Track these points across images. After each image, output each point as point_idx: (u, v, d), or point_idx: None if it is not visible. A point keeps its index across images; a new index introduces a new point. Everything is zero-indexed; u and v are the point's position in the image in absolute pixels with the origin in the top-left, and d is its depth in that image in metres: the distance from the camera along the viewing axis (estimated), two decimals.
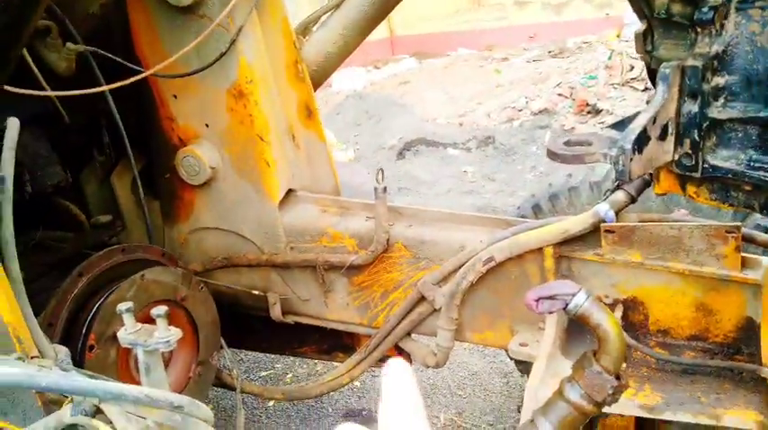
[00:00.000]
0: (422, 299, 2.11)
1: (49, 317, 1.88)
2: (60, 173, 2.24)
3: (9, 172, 1.58)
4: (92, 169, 2.49)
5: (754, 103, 1.48)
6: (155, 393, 1.18)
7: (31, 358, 1.44)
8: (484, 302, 2.07)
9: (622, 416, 1.80)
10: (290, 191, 2.34)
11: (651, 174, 1.74)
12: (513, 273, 1.99)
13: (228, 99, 2.20)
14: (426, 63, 11.83)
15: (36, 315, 1.58)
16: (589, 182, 2.95)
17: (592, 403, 1.18)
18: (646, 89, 7.15)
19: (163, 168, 2.41)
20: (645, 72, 1.77)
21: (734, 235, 1.65)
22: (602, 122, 7.04)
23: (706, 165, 1.56)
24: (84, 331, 1.89)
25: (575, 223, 1.84)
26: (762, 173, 1.49)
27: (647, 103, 1.60)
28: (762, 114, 1.48)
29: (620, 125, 1.72)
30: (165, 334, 1.30)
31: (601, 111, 7.36)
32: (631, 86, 7.64)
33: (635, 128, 1.51)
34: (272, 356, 3.55)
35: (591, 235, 1.85)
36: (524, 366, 2.72)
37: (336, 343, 2.54)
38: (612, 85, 7.78)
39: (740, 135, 1.52)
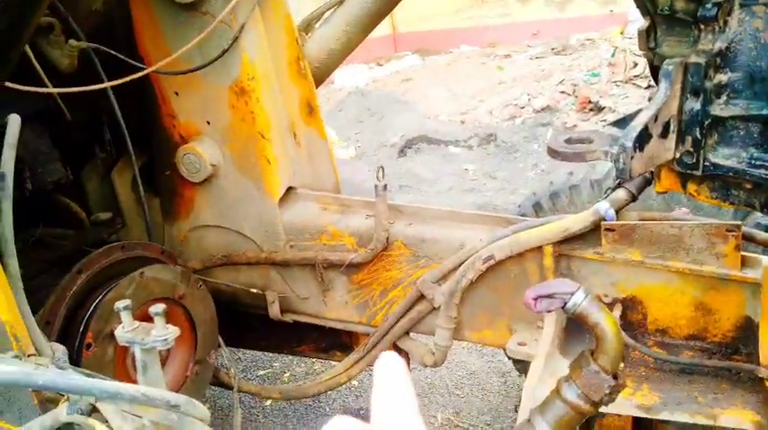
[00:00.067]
0: (421, 297, 2.10)
1: (47, 314, 1.88)
2: (61, 170, 2.24)
3: (9, 169, 1.58)
4: (92, 166, 2.49)
5: (756, 100, 1.47)
6: (151, 392, 1.17)
7: (28, 356, 1.44)
8: (483, 301, 2.06)
9: (620, 415, 1.79)
10: (290, 188, 2.34)
11: (652, 173, 1.73)
12: (513, 272, 1.99)
13: (230, 96, 2.19)
14: (429, 60, 11.80)
15: (35, 312, 1.58)
16: (590, 180, 2.94)
17: (589, 403, 1.18)
18: (649, 86, 7.12)
19: (163, 165, 2.41)
20: (648, 69, 1.76)
21: (734, 233, 1.64)
22: (605, 120, 7.02)
23: (707, 163, 1.55)
24: (81, 329, 1.88)
25: (575, 221, 1.84)
26: (763, 171, 1.48)
27: (649, 100, 1.60)
28: (764, 112, 1.47)
29: (622, 122, 1.71)
30: (163, 332, 1.30)
31: (603, 108, 7.34)
32: (634, 84, 7.61)
33: (636, 125, 1.51)
34: (270, 355, 3.55)
35: (591, 233, 1.84)
36: (522, 365, 2.71)
37: (335, 341, 2.54)
38: (615, 82, 7.76)
39: (742, 133, 1.51)
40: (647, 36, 1.64)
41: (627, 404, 1.65)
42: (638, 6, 1.65)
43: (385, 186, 2.09)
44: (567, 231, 1.84)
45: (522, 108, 8.08)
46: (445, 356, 2.15)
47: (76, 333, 1.88)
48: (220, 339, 2.30)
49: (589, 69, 8.39)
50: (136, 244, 2.20)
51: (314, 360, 3.43)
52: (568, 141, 1.75)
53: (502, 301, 2.04)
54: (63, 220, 2.43)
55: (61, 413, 1.23)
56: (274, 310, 2.38)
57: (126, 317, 1.33)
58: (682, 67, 1.51)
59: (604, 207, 1.79)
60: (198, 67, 2.13)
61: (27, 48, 1.90)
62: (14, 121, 1.62)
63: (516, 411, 2.79)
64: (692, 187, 1.65)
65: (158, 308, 1.31)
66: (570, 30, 10.98)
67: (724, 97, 1.51)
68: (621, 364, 1.21)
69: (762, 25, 1.43)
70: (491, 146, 7.35)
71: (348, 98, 9.11)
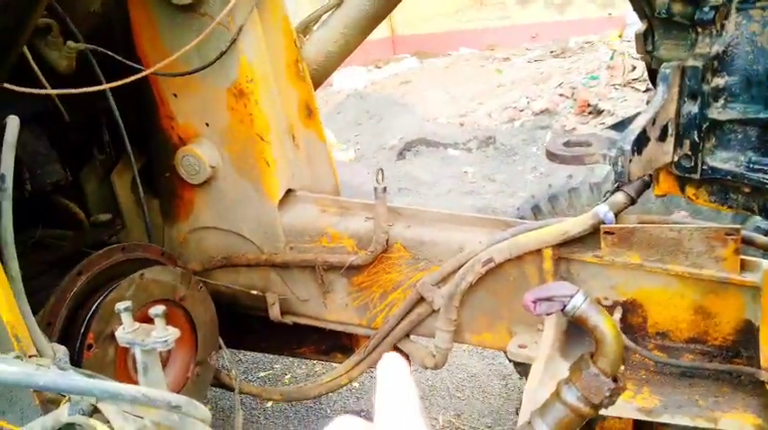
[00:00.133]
0: (421, 300, 2.11)
1: (47, 315, 1.88)
2: (60, 171, 2.24)
3: (9, 170, 1.58)
4: (91, 168, 2.49)
5: (753, 104, 1.47)
6: (152, 393, 1.18)
7: (29, 357, 1.44)
8: (483, 304, 2.06)
9: (620, 418, 1.80)
10: (289, 190, 2.34)
11: (651, 176, 1.74)
12: (512, 275, 1.99)
13: (229, 98, 2.20)
14: (428, 62, 11.83)
15: (35, 313, 1.58)
16: (589, 183, 2.94)
17: (589, 405, 1.18)
18: (647, 90, 7.13)
19: (163, 167, 2.41)
20: (646, 73, 1.77)
21: (733, 237, 1.65)
22: (604, 123, 7.03)
23: (705, 167, 1.56)
24: (82, 330, 1.89)
25: (574, 224, 1.84)
26: (761, 175, 1.48)
27: (647, 103, 1.60)
28: (761, 116, 1.47)
29: (620, 126, 1.72)
30: (163, 333, 1.30)
31: (602, 111, 7.35)
32: (633, 87, 7.63)
33: (634, 129, 1.51)
34: (271, 357, 3.55)
35: (590, 236, 1.85)
36: (523, 368, 2.72)
37: (335, 343, 2.54)
38: (614, 85, 7.77)
39: (740, 136, 1.51)
40: (645, 39, 1.64)
41: (627, 407, 1.65)
42: (635, 10, 1.65)
43: (384, 189, 2.09)
44: (566, 234, 1.84)
45: (521, 111, 8.09)
46: (446, 359, 2.15)
47: (77, 334, 1.88)
48: (221, 341, 2.30)
49: (588, 72, 8.40)
50: (136, 245, 2.20)
51: (314, 362, 3.43)
52: (567, 144, 1.75)
53: (501, 304, 2.04)
54: (62, 222, 2.43)
55: (63, 413, 1.23)
56: (274, 312, 2.38)
57: (126, 318, 1.33)
58: (679, 70, 1.52)
59: (603, 210, 1.79)
60: (196, 69, 2.13)
61: (25, 49, 1.90)
62: (13, 123, 1.62)
63: (517, 414, 2.80)
64: (690, 191, 1.65)
65: (158, 309, 1.31)
66: (569, 33, 11.01)
67: (721, 101, 1.51)
68: (622, 367, 1.21)
69: (758, 29, 1.43)
70: (490, 148, 7.36)
71: (347, 100, 9.12)
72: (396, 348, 2.24)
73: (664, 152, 1.58)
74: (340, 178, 2.54)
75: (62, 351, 1.57)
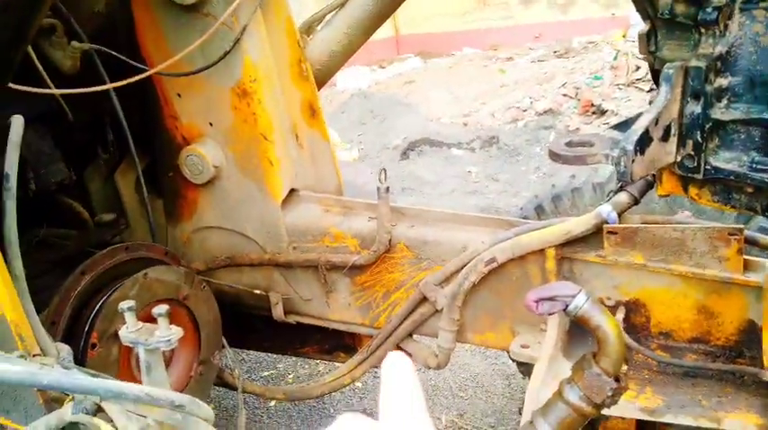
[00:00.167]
0: (423, 299, 2.11)
1: (51, 314, 1.89)
2: (64, 170, 2.24)
3: (13, 169, 1.59)
4: (95, 167, 2.50)
5: (757, 104, 1.47)
6: (155, 392, 1.18)
7: (33, 356, 1.45)
8: (485, 303, 2.06)
9: (623, 418, 1.80)
10: (292, 190, 2.34)
11: (654, 176, 1.74)
12: (515, 275, 1.99)
13: (232, 98, 2.20)
14: (431, 62, 11.83)
15: (39, 312, 1.59)
16: (592, 183, 2.94)
17: (591, 405, 1.18)
18: (651, 90, 7.12)
19: (166, 167, 2.41)
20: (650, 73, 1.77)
21: (736, 237, 1.65)
22: (607, 123, 7.03)
23: (708, 167, 1.56)
24: (86, 329, 1.89)
25: (577, 224, 1.84)
26: (764, 175, 1.48)
27: (650, 103, 1.60)
28: (765, 116, 1.47)
29: (623, 126, 1.72)
30: (166, 333, 1.30)
31: (606, 111, 7.34)
32: (637, 87, 7.62)
33: (637, 129, 1.51)
34: (275, 356, 3.55)
35: (593, 236, 1.85)
36: (526, 368, 2.72)
37: (338, 343, 2.54)
38: (618, 85, 7.76)
39: (743, 137, 1.51)
40: (648, 40, 1.64)
41: (630, 407, 1.65)
42: (638, 10, 1.65)
43: (387, 188, 2.10)
44: (569, 234, 1.84)
45: (525, 111, 8.09)
46: (448, 358, 2.16)
47: (81, 333, 1.89)
48: (224, 340, 2.30)
49: (591, 72, 8.40)
50: (139, 245, 2.20)
51: (317, 361, 3.43)
52: (569, 144, 1.75)
53: (504, 304, 2.04)
54: (66, 221, 2.43)
55: (66, 412, 1.23)
56: (278, 312, 2.39)
57: (130, 317, 1.33)
58: (682, 70, 1.51)
59: (606, 210, 1.79)
60: (200, 69, 2.13)
61: (30, 49, 1.91)
62: (18, 122, 1.63)
63: (520, 413, 2.79)
64: (693, 191, 1.65)
65: (161, 308, 1.32)
66: (573, 33, 10.99)
67: (725, 101, 1.51)
68: (625, 367, 1.22)
69: (762, 29, 1.43)
70: (493, 148, 7.36)
71: (351, 100, 9.12)
72: (398, 348, 2.25)
73: (666, 152, 1.58)
74: (343, 178, 2.54)
75: (66, 350, 1.58)
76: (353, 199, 2.36)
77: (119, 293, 1.95)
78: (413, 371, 0.53)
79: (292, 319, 2.41)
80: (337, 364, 2.50)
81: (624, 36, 9.15)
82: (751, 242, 1.78)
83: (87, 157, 2.48)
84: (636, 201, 1.83)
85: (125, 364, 1.97)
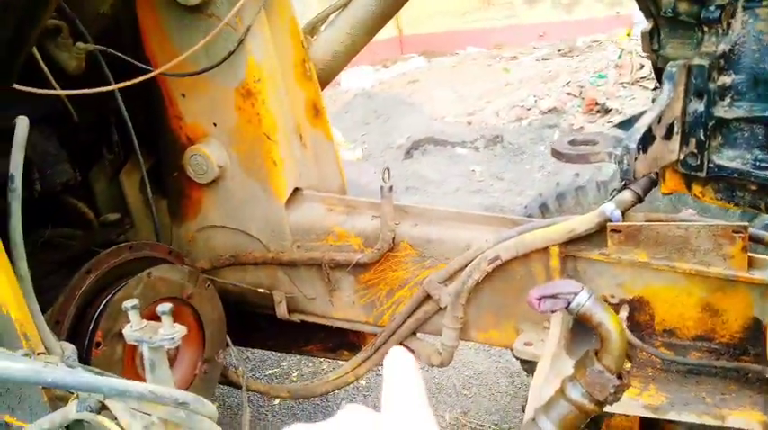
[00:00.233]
0: (427, 297, 2.11)
1: (56, 314, 1.90)
2: (69, 171, 2.25)
3: (18, 170, 1.60)
4: (100, 167, 2.51)
5: (760, 102, 1.47)
6: (159, 390, 1.19)
7: (38, 354, 1.45)
8: (489, 301, 2.07)
9: (627, 416, 1.80)
10: (296, 189, 2.35)
11: (658, 174, 1.74)
12: (519, 273, 1.99)
13: (236, 98, 2.21)
14: (435, 62, 11.81)
15: (44, 312, 1.60)
16: (596, 181, 2.94)
17: (593, 402, 1.18)
18: (656, 88, 7.08)
19: (171, 167, 2.42)
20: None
21: (741, 235, 1.65)
22: (612, 122, 7.00)
23: (711, 165, 1.56)
24: (91, 328, 1.90)
25: (581, 223, 1.84)
26: (767, 173, 1.48)
27: (653, 101, 1.60)
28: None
29: (626, 124, 1.72)
30: (170, 331, 1.31)
31: (610, 110, 7.32)
32: (641, 86, 7.59)
33: (640, 127, 1.51)
34: (279, 354, 3.56)
35: (597, 234, 1.85)
36: (529, 365, 2.72)
37: (342, 341, 2.55)
38: (622, 84, 7.74)
39: (746, 134, 1.51)
40: (651, 38, 1.64)
41: (634, 404, 1.65)
42: (641, 9, 1.65)
43: (391, 187, 2.10)
44: (572, 232, 1.85)
45: (529, 110, 8.07)
46: (452, 356, 2.16)
47: (86, 332, 1.90)
48: (228, 339, 2.31)
49: (596, 71, 8.37)
50: (144, 244, 2.21)
51: (321, 359, 3.44)
52: (572, 143, 1.75)
53: (508, 302, 2.05)
54: (72, 221, 2.44)
55: (71, 410, 1.24)
56: (282, 310, 2.39)
57: (134, 316, 1.34)
58: (685, 68, 1.52)
59: (610, 208, 1.79)
60: (204, 69, 2.14)
61: (35, 50, 1.92)
62: (23, 123, 1.64)
63: (524, 411, 2.80)
64: (696, 189, 1.65)
65: (165, 307, 1.32)
66: (577, 31, 10.96)
67: (728, 99, 1.51)
68: (629, 364, 1.22)
69: (765, 27, 1.43)
70: (498, 147, 7.35)
71: (354, 100, 9.12)
72: (402, 346, 2.25)
73: (670, 150, 1.58)
74: (347, 177, 2.55)
75: (70, 349, 1.59)
76: (357, 198, 2.36)
77: (123, 292, 1.96)
78: (415, 366, 0.54)
79: (296, 318, 2.42)
80: (341, 362, 2.51)
81: (628, 35, 9.12)
82: (755, 240, 1.78)
83: (92, 158, 2.49)
84: (639, 200, 1.83)
85: (129, 363, 1.98)
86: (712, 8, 1.47)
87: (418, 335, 2.24)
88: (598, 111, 7.49)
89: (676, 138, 1.57)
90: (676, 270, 1.74)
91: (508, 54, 11.11)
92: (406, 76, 10.86)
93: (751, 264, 1.68)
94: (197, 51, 2.03)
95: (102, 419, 1.21)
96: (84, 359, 1.82)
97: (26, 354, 1.41)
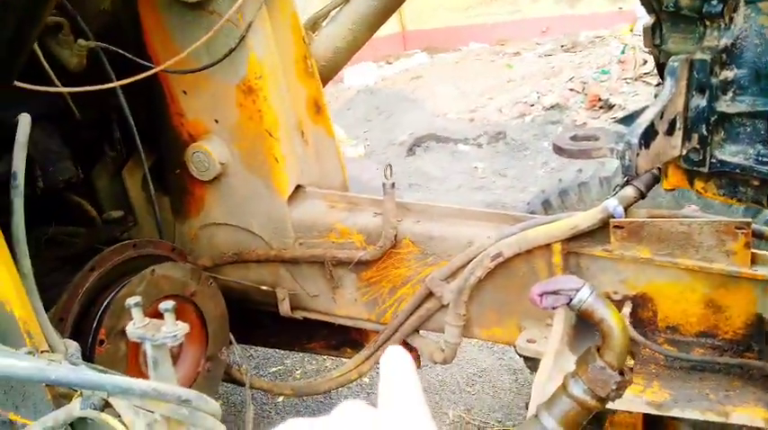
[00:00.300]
0: (430, 294, 2.11)
1: (60, 311, 1.90)
2: (71, 168, 2.25)
3: (21, 168, 1.60)
4: (103, 165, 2.51)
5: (762, 96, 1.46)
6: (162, 387, 1.19)
7: (42, 352, 1.46)
8: (492, 298, 2.06)
9: (630, 412, 1.79)
10: (298, 186, 2.35)
11: (660, 170, 1.73)
12: (521, 270, 1.99)
13: (238, 95, 2.21)
14: (438, 58, 11.79)
15: (47, 309, 1.60)
16: (599, 177, 2.94)
17: (595, 398, 1.18)
18: (659, 84, 7.04)
19: (173, 164, 2.42)
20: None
21: (744, 231, 1.64)
22: (615, 117, 6.98)
23: (714, 160, 1.55)
24: (94, 326, 1.91)
25: (583, 219, 1.84)
26: None
27: (656, 97, 1.60)
28: None
29: (628, 119, 1.71)
30: (173, 328, 1.31)
31: (613, 106, 7.31)
32: (644, 81, 7.57)
33: (642, 122, 1.50)
34: (282, 352, 3.57)
35: (600, 231, 1.84)
36: (532, 363, 2.72)
37: (345, 338, 2.55)
38: (625, 79, 7.72)
39: (748, 129, 1.50)
40: (653, 33, 1.63)
41: (637, 401, 1.65)
42: (643, 3, 1.64)
43: (393, 184, 2.10)
44: (575, 228, 1.84)
45: (532, 106, 8.06)
46: (455, 353, 2.16)
47: (89, 329, 1.90)
48: (231, 336, 2.31)
49: (599, 67, 8.35)
50: (147, 242, 2.22)
51: (324, 357, 3.44)
52: (574, 139, 1.75)
53: (511, 299, 2.04)
54: (74, 219, 2.45)
55: (74, 408, 1.24)
56: (284, 307, 2.39)
57: (137, 313, 1.34)
58: (687, 63, 1.51)
59: (613, 204, 1.79)
60: (206, 66, 2.14)
61: (36, 47, 1.92)
62: (25, 121, 1.64)
63: (527, 408, 2.80)
64: (699, 184, 1.64)
65: (168, 304, 1.32)
66: (580, 27, 10.93)
67: (730, 94, 1.50)
68: (632, 361, 1.22)
69: (767, 22, 1.42)
70: (500, 144, 7.33)
71: (357, 96, 9.12)
72: (405, 343, 2.25)
73: (672, 146, 1.58)
74: (349, 174, 2.55)
75: (74, 346, 1.59)
76: (359, 195, 2.36)
77: (126, 290, 1.96)
78: (411, 364, 0.54)
79: (299, 315, 2.42)
80: (344, 360, 2.51)
81: (631, 30, 9.09)
82: (759, 236, 1.78)
83: (94, 155, 2.49)
84: (642, 196, 1.82)
85: (133, 361, 1.99)
86: (714, 2, 1.46)
87: (421, 332, 2.24)
88: (601, 107, 7.47)
89: (678, 134, 1.56)
90: (679, 266, 1.74)
91: (511, 50, 11.09)
92: (409, 73, 10.85)
93: (754, 260, 1.68)
94: (198, 48, 2.03)
95: (105, 417, 1.22)
96: (88, 357, 1.82)
97: (29, 352, 1.42)
